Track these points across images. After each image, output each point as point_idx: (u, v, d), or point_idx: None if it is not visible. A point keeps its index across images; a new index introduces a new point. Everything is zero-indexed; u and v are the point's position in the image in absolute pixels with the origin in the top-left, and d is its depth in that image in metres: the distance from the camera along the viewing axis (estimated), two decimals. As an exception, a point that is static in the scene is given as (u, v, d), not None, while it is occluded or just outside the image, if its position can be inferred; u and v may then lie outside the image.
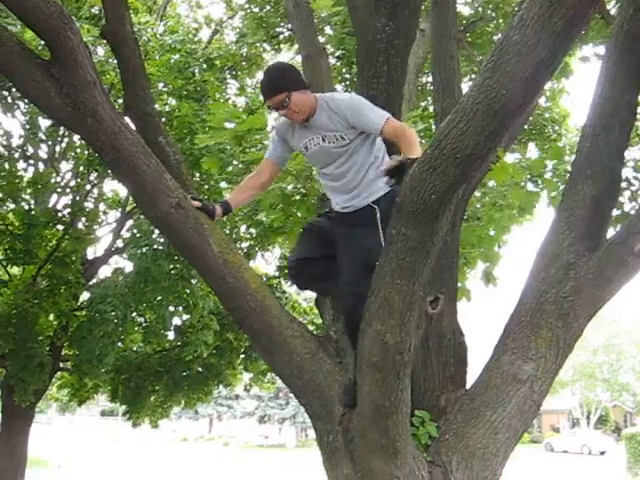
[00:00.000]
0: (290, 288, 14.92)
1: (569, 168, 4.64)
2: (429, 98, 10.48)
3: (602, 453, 48.90)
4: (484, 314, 31.86)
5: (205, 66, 12.10)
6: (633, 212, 5.43)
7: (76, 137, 12.85)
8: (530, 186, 7.35)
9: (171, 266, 11.47)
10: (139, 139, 3.59)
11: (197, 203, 3.67)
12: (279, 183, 5.26)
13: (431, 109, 7.13)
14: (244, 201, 4.30)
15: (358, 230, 3.68)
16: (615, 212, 5.14)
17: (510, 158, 10.56)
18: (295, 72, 3.84)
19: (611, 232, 4.23)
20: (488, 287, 7.47)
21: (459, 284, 7.16)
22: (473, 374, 4.10)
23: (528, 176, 7.02)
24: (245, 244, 13.25)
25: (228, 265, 3.58)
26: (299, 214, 5.50)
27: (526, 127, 11.61)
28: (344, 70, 10.92)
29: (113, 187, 15.40)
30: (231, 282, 3.59)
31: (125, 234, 13.89)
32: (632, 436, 30.72)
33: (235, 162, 6.72)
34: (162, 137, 4.40)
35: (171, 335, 14.00)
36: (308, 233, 4.08)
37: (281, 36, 11.78)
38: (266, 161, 4.04)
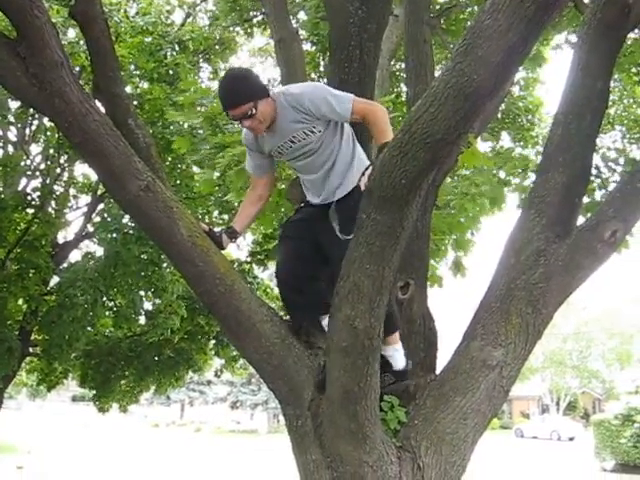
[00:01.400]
0: (262, 273, 14.93)
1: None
2: (402, 85, 10.47)
3: (571, 439, 49.58)
4: (455, 300, 31.98)
5: (177, 49, 11.99)
6: (603, 200, 5.47)
7: (46, 119, 12.69)
8: (502, 175, 7.39)
9: (141, 250, 11.39)
10: (108, 121, 3.53)
11: (205, 227, 3.66)
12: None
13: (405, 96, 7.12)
14: (248, 218, 4.07)
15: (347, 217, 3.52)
16: (585, 200, 5.18)
17: (483, 147, 10.62)
18: (259, 78, 3.62)
19: (581, 220, 4.25)
20: (457, 276, 7.49)
21: (431, 270, 7.22)
22: (443, 360, 4.11)
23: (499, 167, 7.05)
24: (217, 229, 13.17)
25: (197, 249, 3.54)
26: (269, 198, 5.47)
27: (499, 116, 11.67)
28: (318, 56, 10.87)
29: (84, 171, 15.24)
30: (200, 266, 3.56)
31: (96, 218, 13.78)
32: (600, 422, 31.09)
33: (207, 146, 6.67)
34: (132, 119, 4.33)
35: (142, 320, 13.95)
36: (286, 245, 3.91)
37: (254, 20, 11.70)
38: (252, 177, 3.93)
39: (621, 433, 27.49)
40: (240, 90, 3.50)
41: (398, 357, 3.87)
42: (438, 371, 4.07)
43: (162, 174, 4.10)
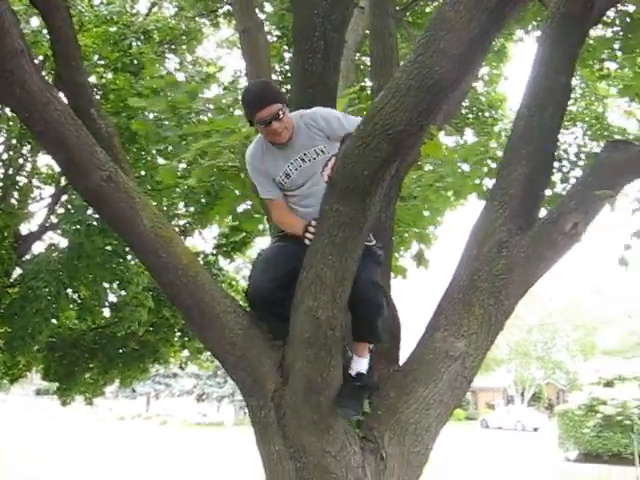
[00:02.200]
0: (228, 265, 14.87)
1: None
2: (367, 79, 10.48)
3: (535, 429, 50.20)
4: (419, 291, 32.17)
5: (142, 39, 11.87)
6: (565, 193, 5.52)
7: (8, 109, 12.52)
8: (466, 168, 7.42)
9: (106, 242, 11.30)
10: (69, 111, 3.49)
11: None
12: (215, 159, 5.18)
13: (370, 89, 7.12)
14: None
15: None
16: (548, 193, 5.23)
17: (447, 141, 10.67)
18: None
19: (543, 212, 4.28)
20: (419, 268, 7.52)
21: (395, 262, 7.24)
22: (406, 351, 4.12)
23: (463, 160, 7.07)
24: (182, 221, 13.11)
25: (160, 240, 3.53)
26: (234, 189, 5.46)
27: (463, 112, 11.74)
28: (283, 49, 10.86)
29: (47, 161, 15.05)
30: (163, 257, 3.54)
31: (59, 210, 13.62)
32: (564, 412, 31.46)
33: (170, 133, 6.62)
34: (94, 109, 4.28)
35: (107, 312, 13.85)
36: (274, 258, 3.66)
37: (220, 11, 11.64)
38: (278, 199, 3.71)
39: (584, 423, 27.83)
40: (272, 91, 3.51)
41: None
42: (401, 362, 4.08)
43: (125, 164, 4.07)
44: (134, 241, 3.62)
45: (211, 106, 5.97)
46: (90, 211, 11.04)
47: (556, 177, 6.07)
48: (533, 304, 58.41)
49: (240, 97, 3.66)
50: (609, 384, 26.25)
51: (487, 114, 12.23)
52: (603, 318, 61.75)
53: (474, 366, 3.90)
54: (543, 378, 62.85)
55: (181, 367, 17.76)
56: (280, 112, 3.42)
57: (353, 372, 3.59)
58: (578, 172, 6.18)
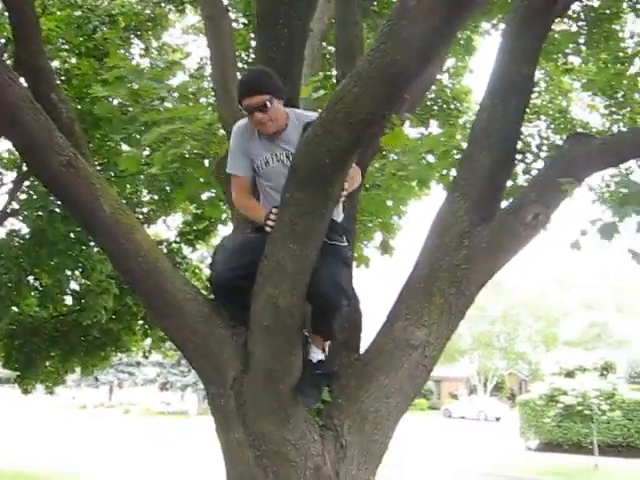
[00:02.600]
0: (191, 254, 14.79)
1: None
2: (333, 69, 10.47)
3: (497, 419, 50.78)
4: (380, 280, 32.24)
5: (107, 23, 11.71)
6: (526, 184, 5.57)
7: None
8: (431, 159, 7.45)
9: (68, 229, 11.17)
10: (28, 94, 3.43)
11: None
12: (178, 148, 5.13)
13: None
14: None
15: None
16: (509, 184, 5.27)
17: (412, 133, 10.71)
18: (279, 80, 3.56)
19: (505, 204, 4.31)
20: (383, 257, 7.54)
21: (358, 251, 7.25)
22: (367, 340, 4.13)
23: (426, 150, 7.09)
24: (146, 209, 13.01)
25: (120, 226, 3.49)
26: (197, 176, 5.42)
27: (428, 103, 11.79)
28: (249, 37, 10.79)
29: (8, 147, 14.83)
30: (123, 244, 3.50)
31: (21, 196, 13.44)
32: (526, 402, 31.85)
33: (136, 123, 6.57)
34: (54, 93, 4.23)
35: (69, 300, 13.71)
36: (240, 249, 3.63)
37: (185, -3, 11.54)
38: (244, 179, 3.67)
39: (545, 413, 28.17)
40: (260, 81, 3.46)
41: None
42: (362, 351, 4.09)
43: (85, 150, 4.03)
44: (94, 227, 3.58)
45: (175, 94, 5.92)
46: (53, 197, 10.92)
47: (518, 169, 6.12)
48: (496, 296, 59.01)
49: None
50: (570, 374, 26.63)
51: (452, 106, 12.26)
52: (565, 309, 62.64)
53: (434, 355, 3.92)
54: (505, 368, 63.54)
55: (144, 356, 17.66)
56: (267, 103, 3.39)
57: (314, 359, 3.59)
58: (540, 164, 6.23)
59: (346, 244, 3.59)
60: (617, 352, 38.46)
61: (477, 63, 59.88)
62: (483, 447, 31.21)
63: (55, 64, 11.22)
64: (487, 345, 59.96)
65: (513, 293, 60.15)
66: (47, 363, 14.98)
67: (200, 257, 17.56)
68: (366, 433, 3.71)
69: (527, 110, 4.49)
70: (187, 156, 5.10)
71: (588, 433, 26.22)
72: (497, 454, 28.67)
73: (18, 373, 15.08)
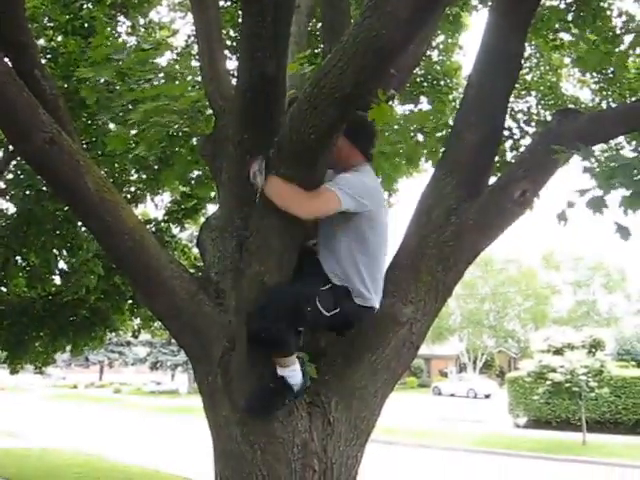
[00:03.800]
0: (180, 233, 14.73)
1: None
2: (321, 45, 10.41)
3: (487, 396, 51.15)
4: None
5: (93, 1, 11.57)
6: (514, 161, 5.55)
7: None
8: (420, 138, 7.42)
9: (56, 207, 11.09)
10: (11, 71, 3.39)
11: None
12: (163, 126, 5.08)
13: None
14: None
15: None
16: (497, 160, 5.25)
17: (402, 110, 10.67)
18: None
19: (493, 180, 4.30)
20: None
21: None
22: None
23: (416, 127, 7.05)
24: (134, 188, 12.91)
25: (105, 204, 3.45)
26: (183, 152, 5.39)
27: (418, 80, 11.74)
28: (237, 14, 10.70)
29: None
30: (108, 221, 3.47)
31: (8, 176, 13.32)
32: (515, 380, 32.10)
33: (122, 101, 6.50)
34: (38, 70, 4.18)
35: (57, 279, 13.65)
36: None
37: (174, -27, 11.43)
38: None
39: (534, 390, 28.39)
40: None
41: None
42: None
43: (70, 127, 3.99)
44: (78, 205, 3.55)
45: (161, 75, 5.87)
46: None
47: (506, 145, 6.09)
48: (486, 274, 59.28)
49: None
50: (559, 352, 26.74)
51: (442, 83, 12.20)
52: (554, 288, 62.96)
53: (422, 332, 3.92)
54: (495, 346, 63.97)
55: (134, 335, 17.59)
56: None
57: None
58: (528, 140, 6.21)
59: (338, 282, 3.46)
60: (605, 330, 38.62)
61: (467, 40, 59.81)
62: (472, 424, 31.47)
63: (41, 42, 11.07)
64: (476, 323, 60.32)
65: (502, 271, 60.45)
66: (36, 343, 14.94)
67: (189, 237, 17.49)
68: (353, 410, 3.70)
69: (517, 86, 4.47)
70: (174, 134, 5.07)
71: (576, 410, 26.48)
72: (486, 431, 28.91)
73: (7, 353, 15.07)
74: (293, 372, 3.43)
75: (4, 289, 12.73)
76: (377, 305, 3.58)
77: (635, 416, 27.91)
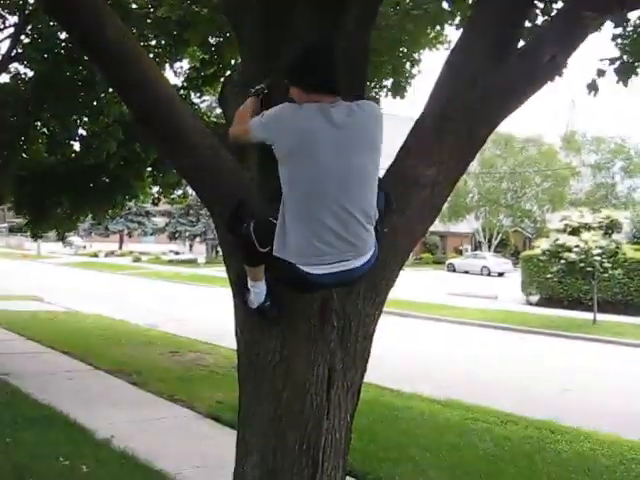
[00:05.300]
0: (201, 102, 14.59)
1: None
2: None
3: (500, 274, 51.80)
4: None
5: None
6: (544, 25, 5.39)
7: None
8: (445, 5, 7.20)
9: (75, 70, 10.95)
10: None
11: None
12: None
13: None
14: None
15: None
16: (527, 25, 5.10)
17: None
18: None
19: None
20: (396, 98, 7.42)
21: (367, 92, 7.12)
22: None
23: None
24: (152, 54, 12.68)
25: (125, 52, 3.35)
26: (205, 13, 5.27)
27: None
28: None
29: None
30: (130, 69, 3.36)
31: (25, 40, 13.11)
32: (529, 258, 32.37)
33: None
34: None
35: (77, 146, 13.65)
36: None
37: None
38: None
39: (548, 269, 28.63)
40: None
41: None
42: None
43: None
44: (98, 53, 3.47)
45: None
46: (60, 39, 10.65)
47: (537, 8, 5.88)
48: (505, 153, 58.80)
49: None
50: (575, 232, 26.75)
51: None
52: (574, 169, 62.51)
53: (444, 195, 3.91)
54: (511, 226, 64.17)
55: (154, 202, 17.63)
56: None
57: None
58: (560, 4, 5.99)
59: None
60: (623, 213, 38.53)
61: None
62: (484, 300, 31.98)
63: None
64: (494, 202, 60.27)
65: (522, 151, 59.88)
66: (57, 210, 15.08)
67: (208, 107, 17.34)
68: (372, 269, 3.74)
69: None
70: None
71: (588, 289, 26.75)
72: (498, 307, 29.39)
73: (29, 218, 15.27)
74: (256, 290, 3.46)
75: (25, 155, 12.74)
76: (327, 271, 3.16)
77: (646, 298, 28.31)
